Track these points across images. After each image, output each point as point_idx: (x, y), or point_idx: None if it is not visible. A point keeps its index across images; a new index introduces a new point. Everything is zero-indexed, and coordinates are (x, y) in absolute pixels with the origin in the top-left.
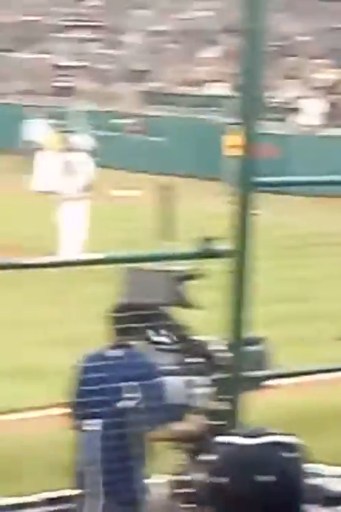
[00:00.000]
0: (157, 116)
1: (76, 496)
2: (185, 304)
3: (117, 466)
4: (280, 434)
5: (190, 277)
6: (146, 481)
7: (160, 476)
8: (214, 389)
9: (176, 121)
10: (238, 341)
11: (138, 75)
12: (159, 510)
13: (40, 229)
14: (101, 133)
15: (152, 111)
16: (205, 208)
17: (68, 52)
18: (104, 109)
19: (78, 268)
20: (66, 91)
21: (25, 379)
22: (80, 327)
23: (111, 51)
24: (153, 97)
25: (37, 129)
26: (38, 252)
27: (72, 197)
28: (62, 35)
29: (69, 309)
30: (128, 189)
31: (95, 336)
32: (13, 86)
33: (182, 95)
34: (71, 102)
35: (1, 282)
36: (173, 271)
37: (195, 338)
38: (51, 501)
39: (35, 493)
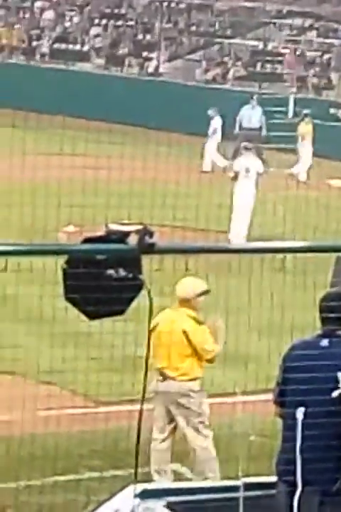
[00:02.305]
0: None
1: (275, 482)
2: None
3: (319, 456)
4: None
5: None
6: None
7: None
8: None
9: None
10: None
11: None
12: None
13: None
14: (318, 122)
15: None
16: None
17: (284, 39)
18: (322, 98)
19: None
20: (279, 77)
21: (227, 363)
22: (285, 315)
23: (327, 40)
24: None
25: (255, 115)
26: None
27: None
28: (278, 21)
29: (276, 297)
30: None
31: (303, 324)
32: (229, 72)
33: None
34: (285, 88)
35: (209, 267)
36: None
37: None
38: (250, 486)
39: (235, 477)
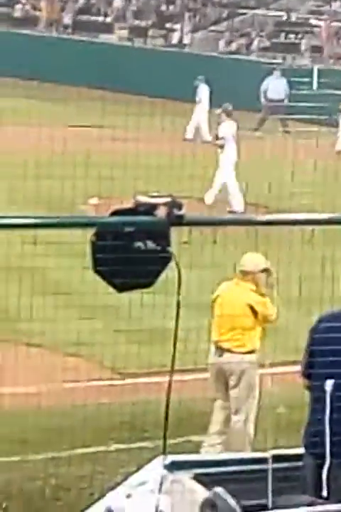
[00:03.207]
0: None
1: (300, 455)
2: None
3: None
4: None
5: None
6: None
7: None
8: None
9: None
10: None
11: None
12: None
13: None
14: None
15: None
16: None
17: (308, 10)
18: None
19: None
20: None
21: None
22: (313, 287)
23: None
24: None
25: (279, 86)
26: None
27: None
28: None
29: (302, 269)
30: None
31: (331, 297)
32: (253, 43)
33: None
34: (311, 60)
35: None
36: None
37: None
38: (278, 458)
39: (265, 450)
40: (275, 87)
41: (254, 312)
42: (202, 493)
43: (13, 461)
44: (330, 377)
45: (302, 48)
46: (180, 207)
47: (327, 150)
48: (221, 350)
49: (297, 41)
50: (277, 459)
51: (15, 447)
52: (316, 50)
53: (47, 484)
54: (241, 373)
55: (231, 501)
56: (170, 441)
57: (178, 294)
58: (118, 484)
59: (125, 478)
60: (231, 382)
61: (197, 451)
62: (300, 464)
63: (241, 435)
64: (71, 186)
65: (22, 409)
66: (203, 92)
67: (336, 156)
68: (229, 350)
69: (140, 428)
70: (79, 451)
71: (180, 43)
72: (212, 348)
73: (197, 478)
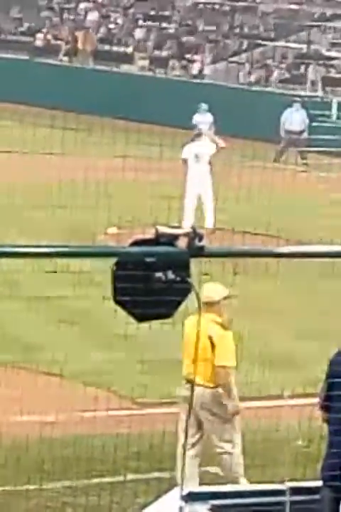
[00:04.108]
0: None
1: (318, 488)
2: None
3: None
4: None
5: None
6: None
7: None
8: None
9: None
10: None
11: None
12: None
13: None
14: None
15: None
16: None
17: (329, 43)
18: None
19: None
20: (325, 81)
21: (273, 367)
22: (333, 320)
23: None
24: None
25: (298, 118)
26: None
27: None
28: (324, 24)
29: (322, 302)
30: None
31: None
32: (274, 74)
33: None
34: (331, 93)
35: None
36: None
37: None
38: (295, 491)
39: (281, 481)
40: (294, 119)
41: (213, 345)
42: None
43: (30, 490)
44: None
45: (319, 80)
46: (200, 238)
47: None
48: (189, 384)
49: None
50: (294, 491)
51: (32, 476)
52: (336, 82)
53: None
54: (212, 406)
55: None
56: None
57: (199, 324)
58: None
59: (142, 509)
60: (201, 416)
61: (215, 483)
62: (317, 496)
63: (234, 466)
64: (92, 215)
65: (40, 438)
66: (208, 118)
67: None
68: (197, 385)
69: (157, 459)
70: (97, 480)
71: (200, 74)
72: (182, 382)
73: (214, 509)
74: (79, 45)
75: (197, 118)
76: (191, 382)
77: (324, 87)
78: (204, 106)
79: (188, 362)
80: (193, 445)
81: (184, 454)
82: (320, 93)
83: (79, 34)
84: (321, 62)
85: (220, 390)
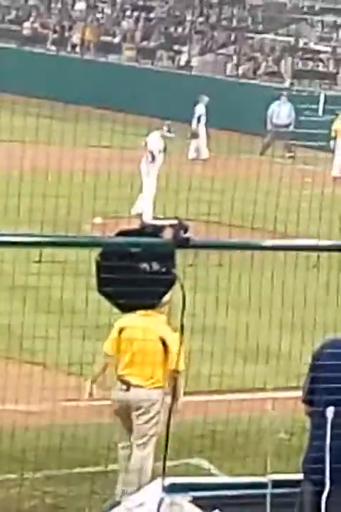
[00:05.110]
0: None
1: (299, 481)
2: None
3: None
4: None
5: None
6: None
7: None
8: None
9: None
10: None
11: None
12: None
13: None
14: None
15: None
16: None
17: (315, 36)
18: None
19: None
20: (310, 74)
21: (256, 359)
22: (317, 313)
23: None
24: None
25: (285, 111)
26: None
27: None
28: (310, 17)
29: (307, 294)
30: None
31: (335, 323)
32: (261, 67)
33: None
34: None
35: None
36: None
37: None
38: (276, 483)
39: (262, 474)
40: (281, 112)
41: (166, 347)
42: None
43: (11, 479)
44: (331, 404)
45: (309, 74)
46: (186, 229)
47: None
48: (127, 385)
49: (303, 68)
50: (276, 484)
51: (13, 465)
52: (323, 76)
53: (44, 503)
54: (149, 408)
55: None
56: (169, 463)
57: (182, 316)
58: (117, 505)
59: (124, 499)
60: (138, 417)
61: (197, 474)
62: (298, 489)
63: (143, 472)
64: (78, 206)
65: (22, 427)
66: (203, 110)
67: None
68: (137, 386)
69: None
70: (78, 470)
71: (188, 65)
72: (117, 383)
73: (196, 501)
74: (87, 36)
75: (199, 109)
76: (128, 384)
77: (293, 79)
78: (205, 98)
79: (132, 363)
80: (128, 446)
81: (166, 446)
82: (287, 84)
83: (84, 27)
84: (308, 55)
85: (160, 392)
